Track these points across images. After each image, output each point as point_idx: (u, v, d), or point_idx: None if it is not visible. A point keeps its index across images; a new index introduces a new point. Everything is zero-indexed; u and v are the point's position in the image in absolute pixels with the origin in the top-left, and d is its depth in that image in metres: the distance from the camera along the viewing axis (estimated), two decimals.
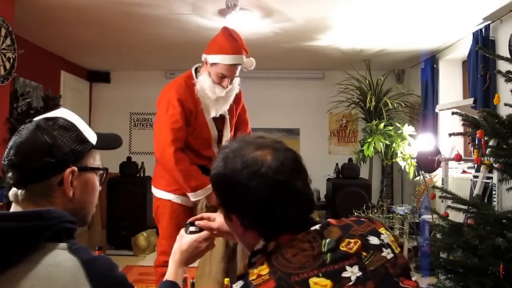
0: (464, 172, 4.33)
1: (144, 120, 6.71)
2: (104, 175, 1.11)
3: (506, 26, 3.74)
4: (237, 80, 2.61)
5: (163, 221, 2.63)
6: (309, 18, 4.10)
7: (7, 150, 0.99)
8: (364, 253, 0.90)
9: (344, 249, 0.89)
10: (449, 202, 2.43)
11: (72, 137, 1.01)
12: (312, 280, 0.84)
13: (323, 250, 0.88)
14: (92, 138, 1.07)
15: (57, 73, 5.73)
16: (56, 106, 4.33)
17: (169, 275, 1.28)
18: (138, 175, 5.55)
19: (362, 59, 5.61)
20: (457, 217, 2.55)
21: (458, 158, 2.69)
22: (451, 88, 5.19)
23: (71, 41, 4.98)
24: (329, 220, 0.96)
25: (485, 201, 3.13)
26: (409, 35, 4.60)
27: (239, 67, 2.53)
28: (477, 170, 3.60)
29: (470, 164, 4.22)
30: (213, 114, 2.56)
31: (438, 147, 4.33)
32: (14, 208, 0.99)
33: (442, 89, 5.19)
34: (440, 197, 2.54)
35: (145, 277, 4.25)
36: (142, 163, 5.62)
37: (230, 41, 2.49)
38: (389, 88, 5.72)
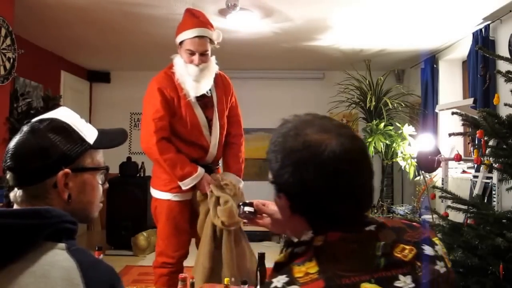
0: (464, 172, 4.33)
1: None
2: (106, 174, 1.11)
3: (506, 26, 3.74)
4: (213, 59, 2.59)
5: (161, 222, 2.63)
6: (309, 18, 4.10)
7: (6, 152, 1.01)
8: (418, 263, 0.83)
9: (399, 255, 0.83)
10: (449, 202, 2.42)
11: (66, 139, 1.01)
12: (364, 286, 0.79)
13: (377, 253, 0.82)
14: (91, 137, 1.06)
15: (57, 73, 5.73)
16: (56, 106, 4.31)
17: None
18: (138, 175, 5.55)
19: (362, 59, 5.62)
20: (457, 217, 2.55)
21: (458, 158, 2.69)
22: (451, 88, 5.18)
23: (71, 41, 4.98)
24: (382, 220, 0.90)
25: (485, 201, 3.13)
26: (409, 35, 4.59)
27: (207, 42, 2.52)
28: (477, 170, 3.60)
29: (470, 164, 4.23)
30: (193, 94, 2.53)
31: (438, 147, 4.33)
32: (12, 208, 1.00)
33: (442, 89, 5.19)
34: (440, 197, 2.53)
35: (145, 277, 4.25)
36: (142, 163, 5.62)
37: (191, 18, 2.54)
38: (389, 88, 5.72)
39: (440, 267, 0.85)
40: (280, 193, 0.92)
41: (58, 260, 0.87)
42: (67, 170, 0.99)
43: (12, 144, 1.00)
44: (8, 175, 0.99)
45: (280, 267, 0.85)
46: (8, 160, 0.99)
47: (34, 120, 1.04)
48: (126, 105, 6.64)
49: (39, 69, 5.09)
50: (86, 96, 6.64)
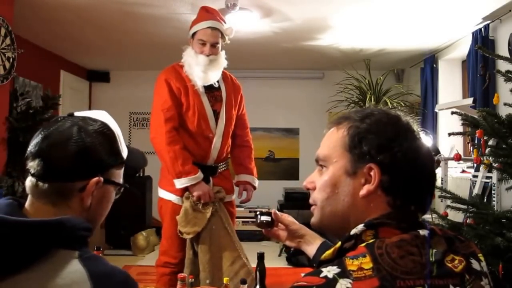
0: (463, 171, 4.34)
1: (143, 120, 6.71)
2: (121, 192, 1.06)
3: (506, 25, 3.74)
4: (222, 54, 2.64)
5: (165, 222, 2.64)
6: (309, 18, 4.10)
7: (38, 136, 0.93)
8: (467, 276, 0.83)
9: (449, 265, 0.82)
10: (449, 202, 2.43)
11: (109, 147, 0.97)
12: None
13: (431, 259, 0.81)
14: (125, 152, 1.03)
15: (57, 73, 5.73)
16: (55, 105, 4.32)
17: None
18: (137, 175, 5.55)
19: (362, 59, 5.61)
20: (457, 216, 2.55)
21: (457, 158, 2.69)
22: (450, 88, 5.18)
23: (71, 41, 4.98)
24: (433, 227, 0.89)
25: (485, 200, 3.13)
26: (409, 34, 4.59)
27: (219, 35, 2.59)
28: (477, 170, 3.61)
29: (469, 164, 4.23)
30: (200, 83, 2.57)
31: (437, 147, 4.33)
32: (29, 202, 0.94)
33: (441, 89, 5.19)
34: (440, 196, 2.54)
35: (144, 276, 4.24)
36: None
37: (205, 13, 2.64)
38: (389, 87, 5.72)
39: (485, 283, 0.85)
40: (359, 167, 0.88)
41: (68, 272, 0.84)
42: (101, 178, 0.95)
43: (51, 131, 0.93)
44: (35, 162, 0.91)
45: (324, 262, 0.82)
46: (44, 147, 0.91)
47: (80, 115, 0.99)
48: (126, 104, 6.64)
49: (39, 68, 5.08)
50: (86, 96, 6.63)
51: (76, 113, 1.00)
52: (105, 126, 0.99)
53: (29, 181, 0.94)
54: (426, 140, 0.95)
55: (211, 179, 2.64)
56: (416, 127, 0.92)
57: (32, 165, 0.92)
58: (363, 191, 0.87)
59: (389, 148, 0.86)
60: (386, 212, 0.86)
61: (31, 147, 0.93)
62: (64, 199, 0.93)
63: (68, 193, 0.93)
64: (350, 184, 0.89)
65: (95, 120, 0.99)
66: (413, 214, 0.89)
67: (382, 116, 0.90)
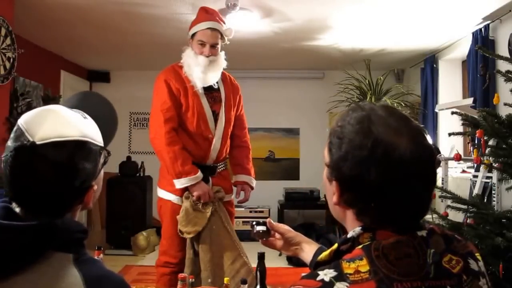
0: (463, 171, 4.34)
1: (144, 120, 6.71)
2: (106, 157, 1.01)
3: (506, 26, 3.74)
4: (222, 54, 2.65)
5: (165, 222, 2.64)
6: (309, 18, 4.11)
7: (8, 177, 0.88)
8: (465, 277, 0.82)
9: (447, 266, 0.82)
10: (449, 202, 2.43)
11: (90, 160, 0.92)
12: None
13: (428, 260, 0.80)
14: (100, 138, 0.98)
15: (57, 73, 5.73)
16: None
17: None
18: (138, 174, 5.55)
19: (362, 59, 5.62)
20: (457, 216, 2.55)
21: (457, 158, 2.69)
22: (450, 88, 5.19)
23: (71, 41, 4.99)
24: (432, 227, 0.87)
25: (485, 200, 3.13)
26: (409, 35, 4.60)
27: (218, 35, 2.59)
28: (477, 170, 3.61)
29: (469, 164, 4.23)
30: (200, 84, 2.57)
31: (437, 147, 4.33)
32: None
33: (441, 89, 5.19)
34: (440, 196, 2.54)
35: (145, 276, 4.25)
36: (142, 162, 5.62)
37: (205, 13, 2.63)
38: (389, 87, 5.72)
39: (482, 283, 0.85)
40: (333, 178, 0.86)
41: (63, 275, 0.84)
42: (94, 185, 0.94)
43: (25, 178, 0.87)
44: (20, 208, 0.89)
45: (321, 264, 0.83)
46: (28, 196, 0.88)
47: (45, 145, 0.87)
48: (126, 104, 6.63)
49: (39, 68, 5.09)
50: None
51: (38, 139, 0.87)
52: (76, 146, 0.90)
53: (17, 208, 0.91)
54: (416, 144, 0.83)
55: (210, 179, 2.64)
56: (404, 128, 0.83)
57: (20, 209, 0.90)
58: (334, 199, 0.88)
59: (337, 165, 0.84)
60: (360, 225, 0.84)
61: (14, 195, 0.89)
62: (62, 215, 0.92)
63: (67, 211, 0.93)
64: (330, 190, 0.89)
65: (59, 147, 0.88)
66: (406, 218, 0.85)
67: (352, 128, 0.84)
